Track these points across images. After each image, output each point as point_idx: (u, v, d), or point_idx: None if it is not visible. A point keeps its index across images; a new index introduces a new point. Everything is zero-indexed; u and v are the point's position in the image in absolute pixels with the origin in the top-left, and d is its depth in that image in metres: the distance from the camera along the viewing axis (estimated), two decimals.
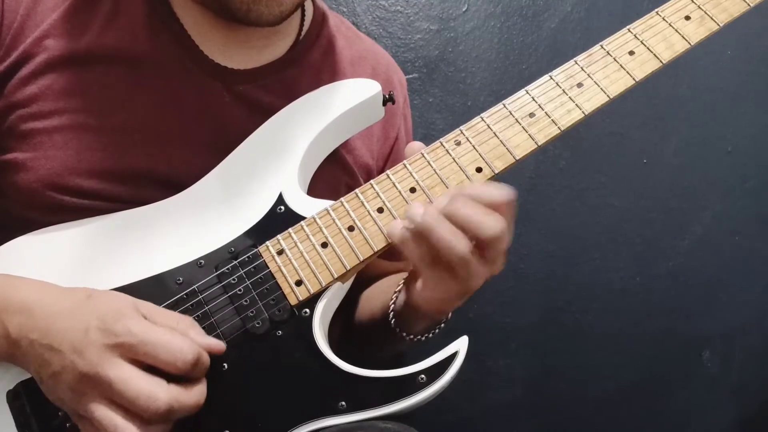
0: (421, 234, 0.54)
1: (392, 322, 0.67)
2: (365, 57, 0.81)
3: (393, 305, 0.67)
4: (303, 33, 0.76)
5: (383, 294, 0.74)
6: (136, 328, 0.50)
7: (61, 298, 0.54)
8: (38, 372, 0.53)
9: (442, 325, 0.68)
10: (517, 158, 0.61)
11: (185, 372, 0.52)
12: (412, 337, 0.67)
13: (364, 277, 0.80)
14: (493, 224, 0.52)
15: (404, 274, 0.67)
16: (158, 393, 0.49)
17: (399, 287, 0.67)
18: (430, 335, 0.67)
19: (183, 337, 0.52)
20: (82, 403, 0.50)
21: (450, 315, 0.67)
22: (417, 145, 0.62)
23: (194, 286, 0.60)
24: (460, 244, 0.52)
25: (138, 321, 0.51)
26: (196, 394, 0.52)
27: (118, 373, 0.49)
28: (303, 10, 0.77)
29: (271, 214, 0.63)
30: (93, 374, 0.49)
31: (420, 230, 0.54)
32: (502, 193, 0.54)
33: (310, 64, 0.75)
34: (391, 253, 0.61)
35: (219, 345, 0.56)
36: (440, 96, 1.22)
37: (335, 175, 0.73)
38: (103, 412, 0.49)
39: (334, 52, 0.78)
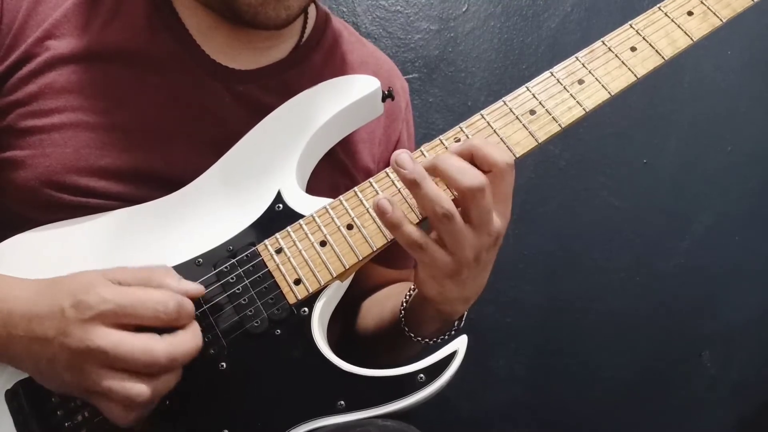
0: (409, 184, 0.53)
1: (402, 321, 0.67)
2: (367, 62, 0.81)
3: (404, 306, 0.67)
4: (305, 36, 0.76)
5: (391, 298, 0.73)
6: (108, 295, 0.50)
7: (29, 287, 0.54)
8: (34, 365, 0.52)
9: (453, 331, 0.67)
10: (518, 156, 0.61)
11: (171, 322, 0.51)
12: (420, 339, 0.66)
13: (366, 286, 0.80)
14: (471, 175, 0.52)
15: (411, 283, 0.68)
16: (153, 345, 0.49)
17: (410, 289, 0.67)
18: (439, 340, 0.67)
19: (158, 290, 0.52)
20: (85, 378, 0.49)
21: (462, 321, 0.66)
22: (404, 154, 0.56)
23: None
24: (441, 196, 0.52)
25: (108, 287, 0.51)
26: (191, 336, 0.52)
27: (108, 340, 0.49)
28: (306, 14, 0.77)
29: (270, 212, 0.63)
30: (84, 349, 0.49)
31: (408, 179, 0.53)
32: (503, 154, 0.54)
33: (311, 67, 0.75)
34: (389, 256, 0.60)
35: (197, 288, 0.55)
36: (440, 96, 1.22)
37: (335, 178, 0.73)
38: (109, 380, 0.49)
39: (335, 56, 0.78)
